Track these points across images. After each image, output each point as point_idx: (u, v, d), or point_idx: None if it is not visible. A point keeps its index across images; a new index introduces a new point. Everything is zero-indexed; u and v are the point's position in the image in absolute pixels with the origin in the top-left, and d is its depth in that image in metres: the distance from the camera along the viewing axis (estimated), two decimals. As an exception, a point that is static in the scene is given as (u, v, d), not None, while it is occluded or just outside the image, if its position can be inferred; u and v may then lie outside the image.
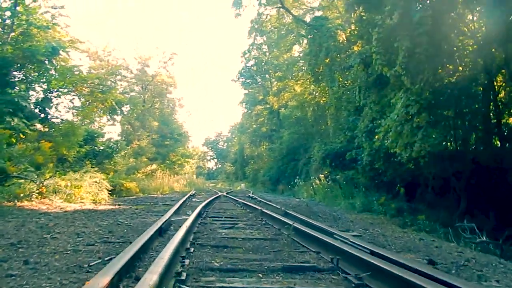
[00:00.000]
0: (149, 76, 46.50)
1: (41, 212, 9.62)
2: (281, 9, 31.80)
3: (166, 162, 42.75)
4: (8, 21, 18.52)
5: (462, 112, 13.41)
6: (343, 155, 19.13)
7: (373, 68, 15.97)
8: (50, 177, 13.70)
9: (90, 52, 41.35)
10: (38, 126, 18.61)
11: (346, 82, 24.18)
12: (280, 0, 30.11)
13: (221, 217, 9.83)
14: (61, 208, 11.09)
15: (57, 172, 15.48)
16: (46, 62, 19.81)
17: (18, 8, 18.72)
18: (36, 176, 12.91)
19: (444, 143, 13.21)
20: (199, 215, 9.12)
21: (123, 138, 43.33)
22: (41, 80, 19.95)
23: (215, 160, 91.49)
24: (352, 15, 29.03)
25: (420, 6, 13.17)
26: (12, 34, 19.03)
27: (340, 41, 27.12)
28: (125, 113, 46.80)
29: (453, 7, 13.17)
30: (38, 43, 19.16)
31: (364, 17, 16.96)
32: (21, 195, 11.69)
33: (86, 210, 11.12)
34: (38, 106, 19.46)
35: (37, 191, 12.40)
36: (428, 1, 13.16)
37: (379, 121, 15.46)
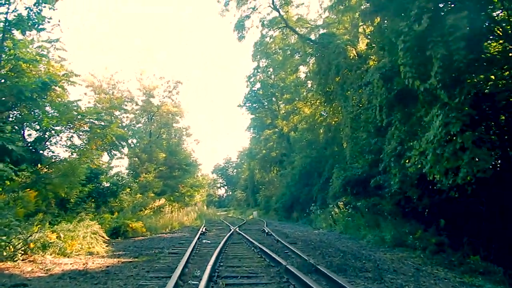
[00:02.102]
0: (154, 107, 45.31)
1: (21, 278, 7.92)
2: (285, 29, 30.56)
3: (175, 194, 40.93)
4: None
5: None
6: (365, 181, 17.13)
7: (398, 83, 14.20)
8: (39, 229, 11.90)
9: (95, 86, 40.61)
10: (37, 168, 17.17)
11: (361, 100, 22.40)
12: (284, 19, 28.87)
13: (237, 276, 7.90)
14: (47, 271, 9.26)
15: (49, 222, 13.74)
16: (38, 99, 18.35)
17: (5, 43, 17.40)
18: (21, 231, 11.10)
19: (498, 165, 11.18)
20: (209, 279, 7.18)
21: (131, 172, 41.97)
22: (32, 119, 18.39)
23: (225, 187, 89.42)
24: (364, 29, 27.88)
25: (453, 5, 11.48)
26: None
27: (351, 57, 25.59)
28: (132, 146, 45.83)
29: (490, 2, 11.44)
30: (28, 79, 17.73)
31: (385, 26, 15.32)
32: (4, 254, 9.95)
33: (76, 271, 9.28)
34: (31, 148, 17.88)
35: (22, 249, 10.60)
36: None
37: (410, 143, 13.55)
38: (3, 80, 17.90)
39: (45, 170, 19.73)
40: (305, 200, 30.65)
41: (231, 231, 19.97)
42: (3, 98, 17.80)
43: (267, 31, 30.72)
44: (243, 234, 17.63)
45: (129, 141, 44.79)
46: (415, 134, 13.72)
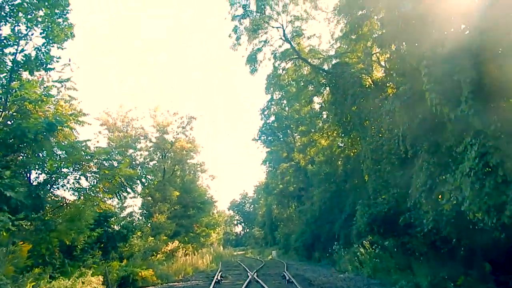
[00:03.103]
0: (168, 143, 44.79)
1: None
2: (298, 60, 29.96)
3: (190, 234, 39.47)
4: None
5: None
6: (393, 218, 15.54)
7: (423, 110, 12.94)
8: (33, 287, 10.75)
9: (109, 124, 40.58)
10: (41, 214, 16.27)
11: (381, 129, 21.10)
12: (296, 51, 28.31)
13: None
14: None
15: (50, 275, 12.62)
16: (43, 140, 17.71)
17: (13, 84, 17.00)
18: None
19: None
20: None
21: (144, 212, 40.99)
22: (37, 162, 17.69)
23: (242, 224, 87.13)
24: (378, 57, 26.98)
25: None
26: (6, 112, 17.24)
27: (367, 86, 24.55)
28: (145, 184, 45.13)
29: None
30: (34, 120, 17.17)
31: (403, 51, 14.27)
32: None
33: None
34: (34, 192, 17.05)
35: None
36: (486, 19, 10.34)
37: (442, 176, 12.11)
38: (9, 122, 17.50)
39: (50, 215, 18.85)
40: (327, 238, 28.82)
41: (248, 278, 18.36)
42: (9, 141, 17.31)
43: (280, 63, 30.18)
44: (262, 283, 16.05)
45: (143, 180, 44.21)
46: (446, 166, 12.29)
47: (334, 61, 28.77)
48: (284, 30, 28.13)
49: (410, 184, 14.28)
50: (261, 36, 28.65)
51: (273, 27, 28.40)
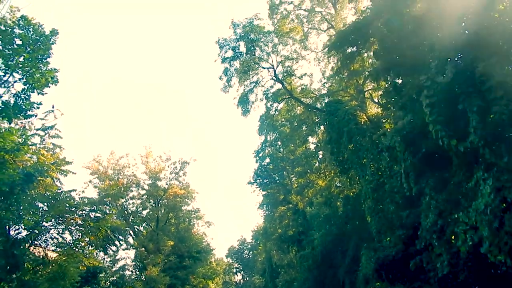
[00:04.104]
0: (161, 190, 43.43)
1: None
2: (290, 100, 29.63)
3: (186, 287, 37.14)
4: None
5: None
6: (402, 263, 14.24)
7: (426, 144, 12.10)
8: None
9: (100, 173, 39.49)
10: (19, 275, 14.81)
11: (380, 167, 20.19)
12: (288, 91, 28.00)
13: None
14: None
15: None
16: (20, 193, 16.51)
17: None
18: None
19: None
20: None
21: (138, 264, 38.92)
22: (12, 217, 16.38)
23: (242, 272, 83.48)
24: (371, 93, 26.67)
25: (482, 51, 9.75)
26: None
27: (362, 123, 23.91)
28: (138, 234, 43.31)
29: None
30: (12, 171, 16.04)
31: (399, 84, 13.67)
32: None
33: None
34: (8, 252, 15.63)
35: None
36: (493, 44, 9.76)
37: (454, 215, 11.04)
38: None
39: (30, 275, 17.33)
40: (331, 285, 27.03)
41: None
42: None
43: (272, 103, 29.82)
44: None
45: (136, 229, 42.57)
46: (457, 204, 11.26)
47: (326, 100, 28.43)
48: (275, 71, 27.96)
49: (418, 225, 13.16)
50: (252, 77, 28.45)
51: (263, 67, 28.27)
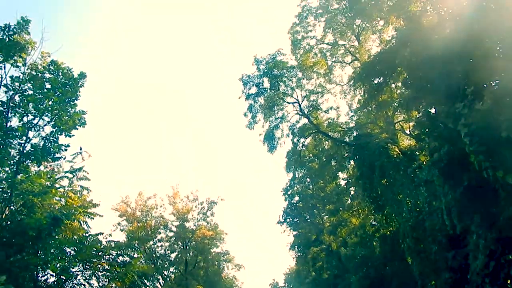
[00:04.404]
0: (189, 232, 42.70)
1: None
2: (317, 135, 28.90)
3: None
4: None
5: None
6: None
7: (468, 176, 11.00)
8: None
9: (128, 214, 39.45)
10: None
11: (418, 203, 18.85)
12: (315, 125, 27.40)
13: None
14: None
15: None
16: (48, 237, 16.25)
17: (19, 177, 16.10)
18: None
19: None
20: None
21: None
22: (39, 263, 16.03)
23: (276, 320, 79.59)
24: (401, 125, 25.60)
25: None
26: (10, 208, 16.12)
27: (395, 156, 22.82)
28: (167, 279, 42.31)
29: None
30: (40, 214, 15.91)
31: (433, 113, 12.79)
32: None
33: None
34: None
35: None
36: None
37: (508, 256, 9.74)
38: (15, 218, 16.32)
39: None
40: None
41: None
42: (13, 239, 15.97)
43: (298, 138, 29.17)
44: None
45: (164, 273, 41.64)
46: (510, 243, 9.98)
47: (355, 133, 27.57)
48: (300, 105, 27.61)
49: (467, 267, 11.78)
50: (277, 112, 28.18)
51: (288, 102, 28.02)
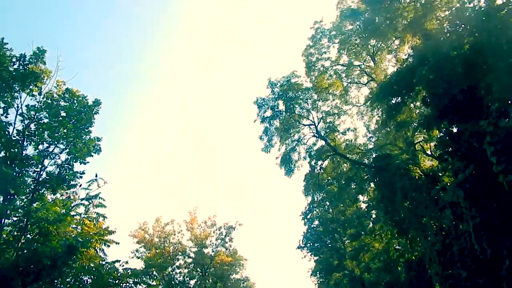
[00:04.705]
0: (207, 258, 42.06)
1: None
2: (335, 157, 28.34)
3: None
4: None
5: None
6: None
7: (497, 197, 10.37)
8: None
9: (146, 241, 39.21)
10: None
11: (444, 226, 17.97)
12: (332, 147, 26.89)
13: None
14: None
15: None
16: (63, 266, 16.06)
17: (34, 205, 16.11)
18: None
19: None
20: None
21: None
22: (52, 291, 15.80)
23: None
24: (422, 145, 24.89)
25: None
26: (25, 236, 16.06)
27: (417, 177, 22.02)
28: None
29: None
30: (56, 242, 15.79)
31: (456, 132, 12.26)
32: None
33: None
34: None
35: None
36: None
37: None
38: (30, 247, 16.23)
39: None
40: None
41: None
42: (29, 268, 15.83)
43: (316, 161, 28.62)
44: None
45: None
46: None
47: (374, 155, 26.92)
48: (316, 127, 27.22)
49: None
50: (293, 135, 27.82)
51: (304, 125, 27.66)
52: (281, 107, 27.43)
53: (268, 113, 27.75)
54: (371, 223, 33.20)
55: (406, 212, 21.76)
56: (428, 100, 14.21)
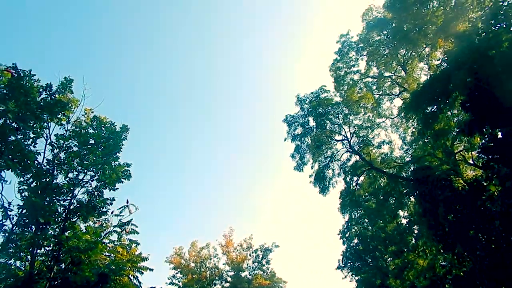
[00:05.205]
0: (245, 282, 41.24)
1: None
2: (371, 172, 27.26)
3: None
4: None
5: None
6: None
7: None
8: None
9: (182, 266, 39.05)
10: None
11: (493, 238, 16.59)
12: (368, 161, 25.94)
13: None
14: None
15: None
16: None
17: (66, 234, 16.21)
18: None
19: None
20: None
21: None
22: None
23: None
24: (463, 155, 23.47)
25: None
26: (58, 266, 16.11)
27: (460, 188, 20.69)
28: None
29: None
30: (88, 271, 15.72)
31: (501, 137, 11.32)
32: None
33: None
34: None
35: None
36: None
37: None
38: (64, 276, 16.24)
39: None
40: None
41: None
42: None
43: (351, 177, 27.64)
44: None
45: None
46: None
47: (412, 167, 25.68)
48: (349, 142, 26.41)
49: None
50: (326, 152, 27.08)
51: (337, 140, 26.91)
52: (312, 123, 26.91)
53: (299, 130, 27.27)
54: (413, 239, 31.48)
55: (451, 226, 20.38)
56: (467, 105, 13.33)
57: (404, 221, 33.18)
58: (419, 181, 22.35)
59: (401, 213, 31.39)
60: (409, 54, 26.27)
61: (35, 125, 12.65)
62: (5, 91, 11.66)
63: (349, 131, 26.85)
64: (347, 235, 41.73)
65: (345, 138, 26.62)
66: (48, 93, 12.80)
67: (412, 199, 25.93)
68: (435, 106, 19.51)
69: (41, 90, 12.66)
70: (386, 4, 22.91)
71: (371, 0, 36.90)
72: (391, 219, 32.50)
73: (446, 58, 17.23)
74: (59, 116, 13.41)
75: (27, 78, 12.80)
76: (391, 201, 29.36)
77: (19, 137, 12.26)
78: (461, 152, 24.70)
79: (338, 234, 42.60)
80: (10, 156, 11.70)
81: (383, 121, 28.43)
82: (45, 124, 13.22)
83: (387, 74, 28.12)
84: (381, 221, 34.64)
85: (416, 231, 31.02)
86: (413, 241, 31.62)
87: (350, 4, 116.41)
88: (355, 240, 42.39)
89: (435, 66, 22.44)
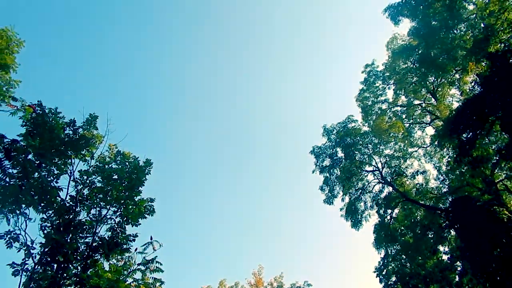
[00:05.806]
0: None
1: None
2: (406, 204, 25.83)
3: None
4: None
5: None
6: None
7: None
8: None
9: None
10: None
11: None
12: (401, 193, 24.65)
13: None
14: None
15: None
16: None
17: (88, 272, 15.87)
18: None
19: None
20: None
21: None
22: None
23: None
24: (505, 183, 21.86)
25: None
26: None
27: (505, 220, 19.17)
28: None
29: None
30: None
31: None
32: None
33: None
34: None
35: None
36: None
37: None
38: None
39: None
40: None
41: None
42: None
43: (385, 209, 26.24)
44: None
45: None
46: None
47: (450, 198, 24.15)
48: (381, 173, 25.29)
49: None
50: (357, 183, 26.00)
51: (367, 171, 25.89)
52: (340, 154, 26.02)
53: (327, 162, 26.43)
54: (457, 276, 29.18)
55: (498, 262, 18.68)
56: (507, 128, 12.39)
57: (445, 257, 30.96)
58: (459, 213, 20.87)
59: (441, 248, 29.35)
60: (439, 80, 25.45)
61: (59, 161, 12.69)
62: (29, 128, 11.84)
63: (380, 161, 25.79)
64: (383, 273, 39.27)
65: (376, 169, 25.54)
66: (72, 128, 12.92)
67: (453, 232, 24.25)
68: (471, 133, 18.43)
69: (65, 126, 12.79)
70: (411, 31, 22.47)
71: (392, 30, 36.64)
72: (430, 255, 30.34)
73: (478, 82, 16.38)
74: (83, 152, 13.45)
75: (53, 116, 13.03)
76: (429, 235, 27.57)
77: (42, 173, 12.29)
78: (503, 181, 23.12)
79: (374, 272, 40.29)
80: (33, 193, 11.68)
81: (416, 151, 27.26)
82: (69, 160, 13.26)
83: (416, 102, 27.29)
84: (420, 257, 32.43)
85: (459, 268, 28.81)
86: (457, 279, 29.31)
87: (369, 37, 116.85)
88: (393, 278, 39.82)
89: (467, 90, 21.50)
